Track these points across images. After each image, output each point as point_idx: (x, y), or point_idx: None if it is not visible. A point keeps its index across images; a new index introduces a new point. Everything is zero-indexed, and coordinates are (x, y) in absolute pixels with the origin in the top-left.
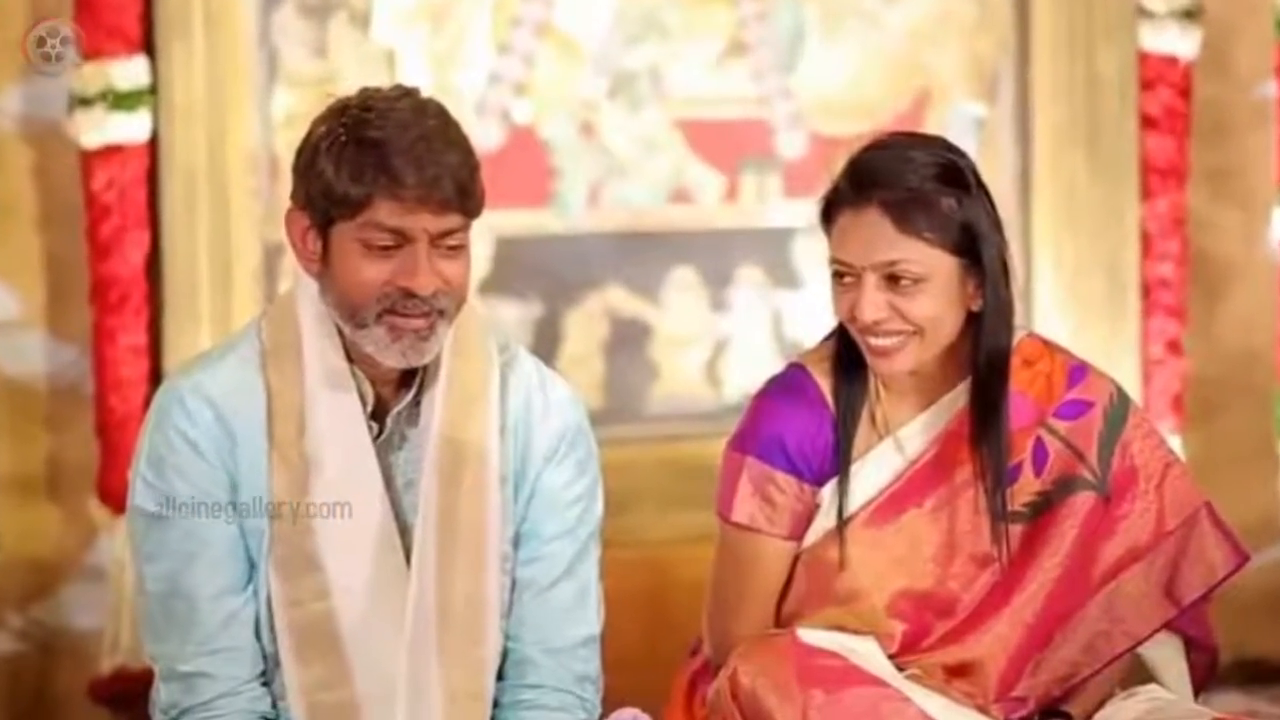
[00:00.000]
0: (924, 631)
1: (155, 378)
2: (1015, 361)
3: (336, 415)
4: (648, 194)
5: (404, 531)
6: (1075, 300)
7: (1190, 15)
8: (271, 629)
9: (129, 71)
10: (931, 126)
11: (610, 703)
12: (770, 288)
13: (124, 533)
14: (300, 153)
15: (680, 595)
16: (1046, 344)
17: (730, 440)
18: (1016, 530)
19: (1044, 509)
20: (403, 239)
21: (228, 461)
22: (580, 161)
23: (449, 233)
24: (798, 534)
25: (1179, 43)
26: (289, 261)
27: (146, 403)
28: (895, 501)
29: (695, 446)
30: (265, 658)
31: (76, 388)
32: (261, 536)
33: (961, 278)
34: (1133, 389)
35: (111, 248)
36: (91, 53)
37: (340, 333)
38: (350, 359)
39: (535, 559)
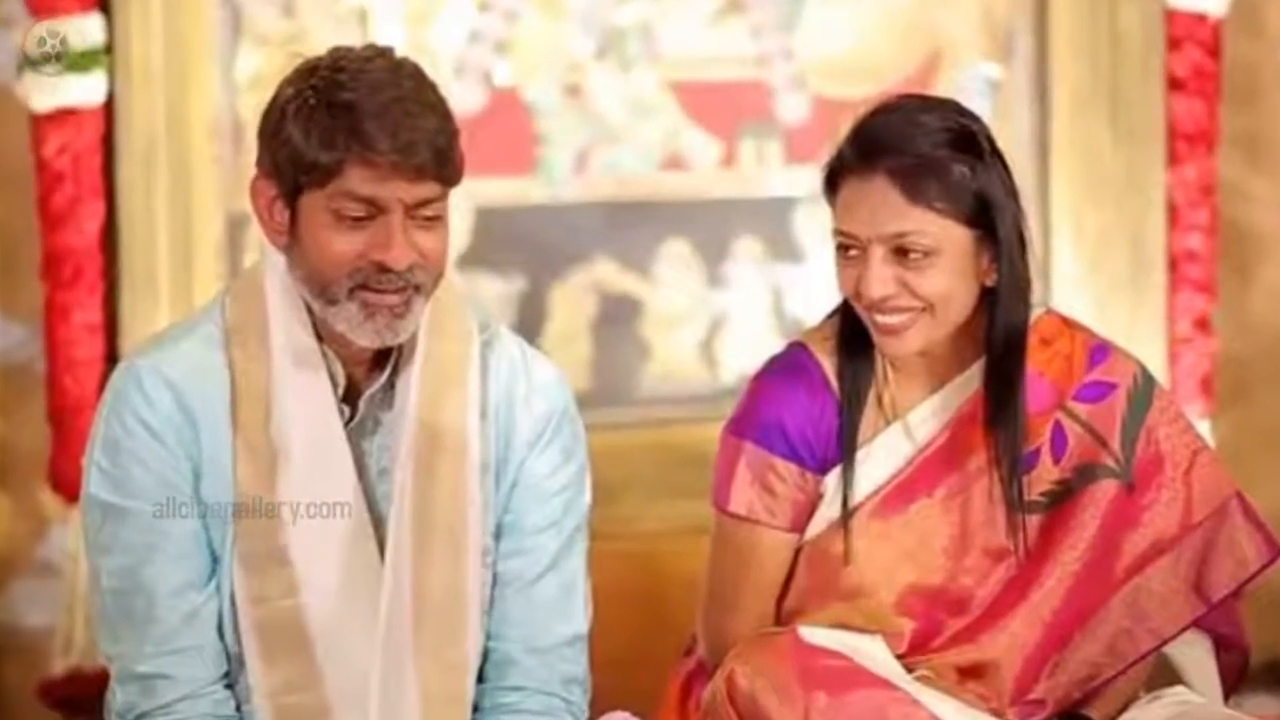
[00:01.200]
0: (934, 630)
1: (111, 358)
2: (1032, 340)
3: (305, 398)
4: (639, 161)
5: (378, 523)
6: (1097, 275)
7: None
8: (236, 627)
9: (83, 29)
10: (942, 89)
11: (599, 706)
12: (770, 261)
13: (78, 524)
14: (266, 117)
15: (674, 591)
16: (1066, 322)
17: (727, 424)
18: (1034, 521)
19: (1063, 498)
20: (376, 209)
21: (189, 448)
22: (566, 126)
23: (425, 202)
24: (799, 525)
25: None
26: (254, 234)
27: (102, 385)
28: (904, 490)
29: (689, 431)
30: (229, 658)
31: (27, 369)
32: (225, 528)
33: (974, 250)
34: (1158, 370)
35: (64, 218)
36: (44, 9)
37: (309, 310)
38: (320, 338)
39: (518, 552)
